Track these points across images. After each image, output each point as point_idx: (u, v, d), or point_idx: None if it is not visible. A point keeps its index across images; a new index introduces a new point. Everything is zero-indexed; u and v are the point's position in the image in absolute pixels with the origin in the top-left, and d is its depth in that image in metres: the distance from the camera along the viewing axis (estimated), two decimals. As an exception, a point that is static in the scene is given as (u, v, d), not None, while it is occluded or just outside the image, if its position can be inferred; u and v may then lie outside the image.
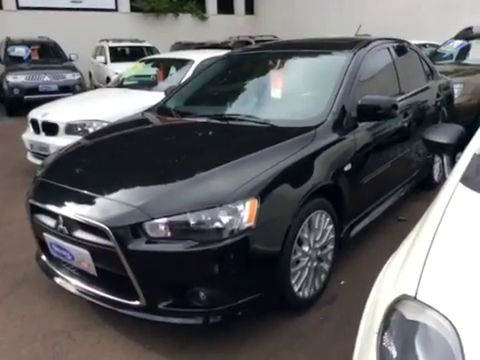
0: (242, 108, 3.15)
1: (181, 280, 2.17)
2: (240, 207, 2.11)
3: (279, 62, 3.53)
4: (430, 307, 1.07)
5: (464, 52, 7.72)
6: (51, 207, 2.40)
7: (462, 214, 1.35)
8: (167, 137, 2.97)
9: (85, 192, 2.35)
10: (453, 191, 1.45)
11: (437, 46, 8.50)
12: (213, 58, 6.39)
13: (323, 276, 2.75)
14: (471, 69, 6.76)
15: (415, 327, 1.08)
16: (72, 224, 2.30)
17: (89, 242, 2.23)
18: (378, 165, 3.25)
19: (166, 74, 6.51)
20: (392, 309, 1.14)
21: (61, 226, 2.33)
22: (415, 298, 1.10)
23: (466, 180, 1.48)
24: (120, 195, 2.29)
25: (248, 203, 2.13)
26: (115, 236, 2.10)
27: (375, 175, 3.18)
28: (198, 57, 6.19)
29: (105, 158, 2.76)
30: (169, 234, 2.11)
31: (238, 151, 2.47)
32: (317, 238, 2.62)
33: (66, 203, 2.37)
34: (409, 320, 1.09)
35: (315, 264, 2.64)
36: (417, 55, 4.34)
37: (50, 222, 2.42)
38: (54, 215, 2.39)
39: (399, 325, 1.10)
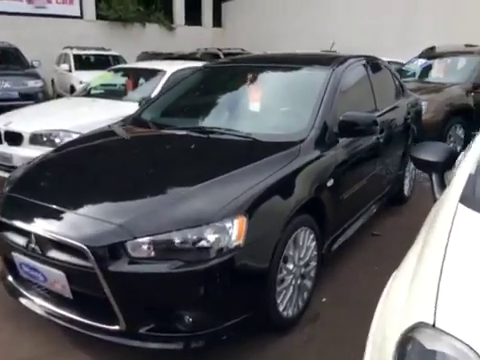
0: (223, 121, 3.08)
1: (165, 303, 2.05)
2: (228, 225, 2.03)
3: (258, 76, 3.50)
4: (450, 335, 1.03)
5: (426, 70, 8.02)
6: (22, 224, 2.23)
7: (469, 235, 1.33)
8: (146, 150, 2.84)
9: (60, 208, 2.20)
10: (454, 212, 1.43)
11: (401, 64, 8.77)
12: (185, 69, 6.36)
13: (306, 294, 2.70)
14: (434, 87, 7.01)
15: (435, 357, 1.03)
16: (45, 243, 2.14)
17: (65, 263, 2.08)
18: (356, 180, 3.26)
19: (136, 84, 6.36)
20: (407, 338, 1.09)
21: (33, 245, 2.16)
22: (434, 326, 1.06)
23: (466, 200, 1.47)
24: (100, 212, 2.15)
25: (236, 221, 2.05)
26: (94, 256, 1.96)
27: (353, 190, 3.19)
28: (170, 68, 6.09)
29: (81, 172, 2.60)
30: (153, 254, 1.99)
31: (224, 166, 2.40)
32: (301, 255, 2.57)
33: (39, 220, 2.20)
34: (429, 349, 1.04)
35: (299, 282, 2.58)
36: (389, 72, 4.43)
37: (20, 241, 2.25)
38: (25, 233, 2.22)
39: (418, 355, 1.05)
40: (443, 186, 2.00)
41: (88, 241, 1.99)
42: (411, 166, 4.88)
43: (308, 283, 2.70)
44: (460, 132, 6.96)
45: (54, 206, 2.22)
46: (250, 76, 3.51)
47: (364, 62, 3.81)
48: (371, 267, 3.43)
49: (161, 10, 17.33)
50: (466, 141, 7.06)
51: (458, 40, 9.09)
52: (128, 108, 5.45)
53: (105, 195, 2.28)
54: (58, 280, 2.13)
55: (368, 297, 2.98)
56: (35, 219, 2.22)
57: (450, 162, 1.98)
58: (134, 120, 3.45)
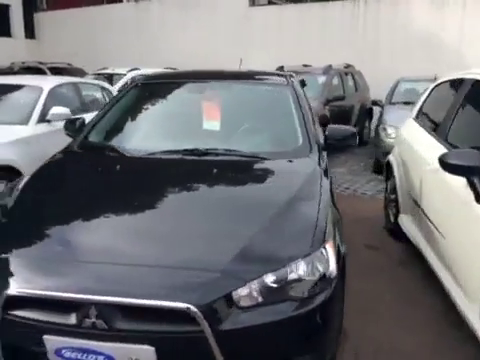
0: (209, 142, 2.78)
1: (282, 352, 1.76)
2: (324, 253, 1.88)
3: (220, 93, 3.28)
4: None
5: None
6: (69, 294, 1.62)
7: None
8: (164, 182, 2.36)
9: (124, 263, 1.70)
10: None
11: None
12: (64, 85, 5.58)
13: None
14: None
15: None
16: (114, 313, 1.61)
17: (154, 333, 1.60)
18: None
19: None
20: None
21: (93, 319, 1.60)
22: None
23: None
24: (181, 260, 1.73)
25: (328, 246, 1.91)
26: (205, 317, 1.57)
27: None
28: (46, 84, 5.22)
29: (102, 215, 2.05)
30: (260, 299, 1.70)
31: (273, 190, 2.21)
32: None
33: (98, 284, 1.65)
34: None
35: None
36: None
37: (62, 318, 1.63)
38: (73, 306, 1.63)
39: None
40: (484, 188, 2.25)
41: (193, 299, 1.58)
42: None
43: None
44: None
45: (111, 261, 1.70)
46: (210, 93, 3.29)
47: (298, 79, 3.98)
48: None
49: (-41, 16, 14.63)
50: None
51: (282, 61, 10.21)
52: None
53: (166, 240, 1.84)
54: (138, 357, 1.61)
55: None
56: (91, 283, 1.65)
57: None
58: (87, 146, 2.87)
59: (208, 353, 1.60)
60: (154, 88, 3.47)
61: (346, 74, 9.14)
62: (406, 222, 3.78)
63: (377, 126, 6.97)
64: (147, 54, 14.03)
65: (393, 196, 4.19)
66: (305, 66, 9.69)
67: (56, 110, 4.86)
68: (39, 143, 4.61)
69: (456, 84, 3.29)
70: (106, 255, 1.76)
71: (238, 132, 2.99)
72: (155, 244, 1.82)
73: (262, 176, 2.46)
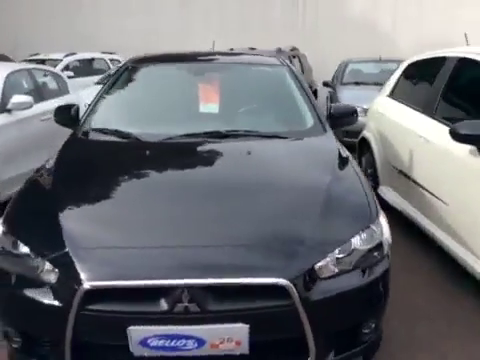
0: (224, 124, 2.77)
1: (354, 318, 1.85)
2: (380, 223, 1.98)
3: (219, 75, 3.23)
4: None
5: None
6: (159, 281, 1.57)
7: None
8: (202, 165, 2.33)
9: (205, 245, 1.70)
10: None
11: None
12: (21, 71, 5.18)
13: None
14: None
15: None
16: (206, 295, 1.59)
17: (246, 310, 1.61)
18: None
19: None
20: None
21: (185, 304, 1.56)
22: None
23: None
24: (264, 237, 1.76)
25: (381, 217, 2.03)
26: (297, 291, 1.61)
27: None
28: (1, 70, 4.79)
29: (165, 199, 2.01)
30: (336, 270, 1.77)
31: (317, 166, 2.30)
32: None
33: (191, 267, 1.64)
34: None
35: None
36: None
37: (150, 306, 1.59)
38: (161, 293, 1.58)
39: None
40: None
41: (284, 273, 1.61)
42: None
43: None
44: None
45: (191, 244, 1.69)
46: (212, 75, 3.24)
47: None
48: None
49: None
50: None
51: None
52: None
53: (240, 220, 1.86)
54: (231, 337, 1.61)
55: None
56: (180, 268, 1.61)
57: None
58: (98, 133, 2.72)
59: (297, 323, 1.64)
60: (148, 70, 3.34)
61: (293, 57, 9.34)
62: (387, 193, 4.02)
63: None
64: (81, 39, 13.23)
65: (370, 170, 4.42)
66: (251, 49, 9.75)
67: (17, 99, 4.48)
68: (2, 135, 4.26)
69: (437, 62, 3.52)
70: (180, 239, 1.73)
71: (249, 113, 2.96)
72: (231, 224, 1.82)
73: (294, 155, 2.48)
